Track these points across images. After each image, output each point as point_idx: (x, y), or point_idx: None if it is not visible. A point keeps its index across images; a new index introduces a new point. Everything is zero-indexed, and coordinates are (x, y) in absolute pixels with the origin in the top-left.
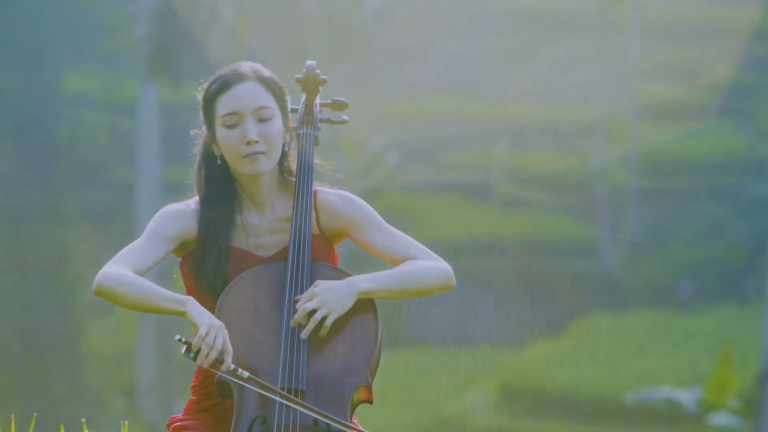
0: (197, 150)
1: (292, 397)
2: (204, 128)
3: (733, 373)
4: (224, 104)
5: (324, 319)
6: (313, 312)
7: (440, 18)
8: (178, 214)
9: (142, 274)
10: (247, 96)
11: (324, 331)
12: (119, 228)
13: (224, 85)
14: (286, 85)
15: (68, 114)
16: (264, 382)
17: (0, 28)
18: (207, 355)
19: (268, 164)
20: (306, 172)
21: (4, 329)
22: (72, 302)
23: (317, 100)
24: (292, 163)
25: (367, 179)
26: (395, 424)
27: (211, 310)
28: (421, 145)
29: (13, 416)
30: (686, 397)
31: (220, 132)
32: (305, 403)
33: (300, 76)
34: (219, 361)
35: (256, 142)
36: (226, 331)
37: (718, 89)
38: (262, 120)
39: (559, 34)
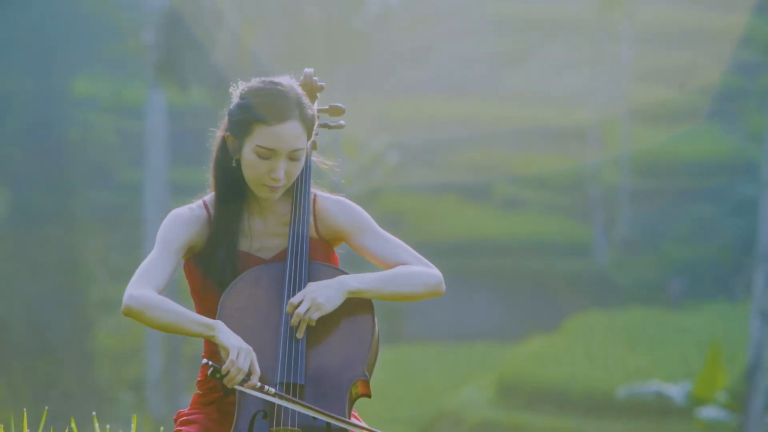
0: (214, 147)
1: (323, 411)
2: (225, 128)
3: (722, 369)
4: (263, 137)
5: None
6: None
7: (439, 22)
8: (185, 221)
9: (162, 290)
10: (288, 138)
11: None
12: (128, 227)
13: (269, 117)
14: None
15: (78, 117)
16: (293, 398)
17: (11, 33)
18: (235, 378)
19: (281, 192)
20: (304, 175)
21: (16, 326)
22: (82, 300)
23: (315, 106)
24: None
25: (367, 180)
26: (395, 418)
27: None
28: (420, 146)
29: (25, 410)
30: (676, 391)
31: (249, 155)
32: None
33: (298, 83)
34: (245, 380)
35: (281, 179)
36: (254, 353)
37: (707, 93)
38: (293, 160)
39: (554, 38)
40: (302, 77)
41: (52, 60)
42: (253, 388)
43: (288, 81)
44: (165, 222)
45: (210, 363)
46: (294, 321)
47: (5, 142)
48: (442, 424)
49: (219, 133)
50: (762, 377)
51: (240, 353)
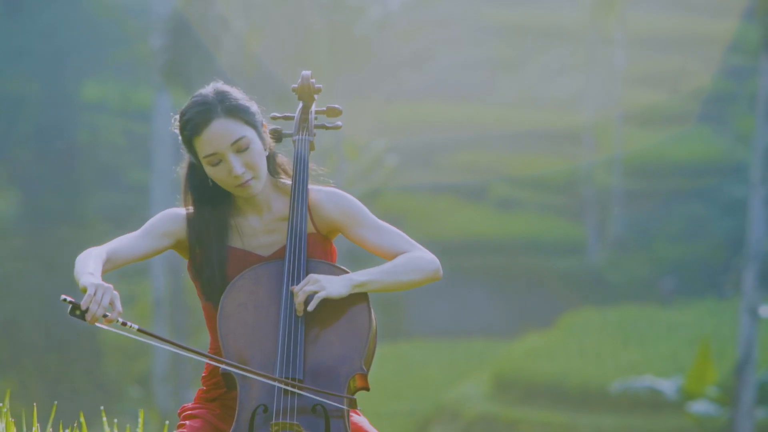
0: (182, 176)
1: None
2: (188, 155)
3: (712, 364)
4: (202, 147)
5: (315, 296)
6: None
7: (437, 29)
8: (174, 215)
9: (122, 260)
10: (220, 136)
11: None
12: (136, 227)
13: (196, 128)
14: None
15: (86, 120)
16: (157, 335)
17: (22, 39)
18: (95, 313)
19: (259, 185)
20: (302, 175)
21: (28, 323)
22: None
23: (313, 108)
24: (283, 162)
25: (367, 181)
26: (393, 412)
27: (215, 308)
28: (418, 148)
29: (35, 404)
30: (668, 386)
31: (208, 169)
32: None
33: (296, 85)
34: (106, 317)
35: (243, 173)
36: (115, 292)
37: (698, 96)
38: (241, 151)
39: (549, 44)
40: (300, 79)
41: (61, 65)
42: (113, 323)
43: (211, 86)
44: (158, 213)
45: (68, 299)
46: (299, 300)
47: (16, 145)
48: (440, 418)
49: (184, 163)
50: (751, 372)
51: (98, 289)
